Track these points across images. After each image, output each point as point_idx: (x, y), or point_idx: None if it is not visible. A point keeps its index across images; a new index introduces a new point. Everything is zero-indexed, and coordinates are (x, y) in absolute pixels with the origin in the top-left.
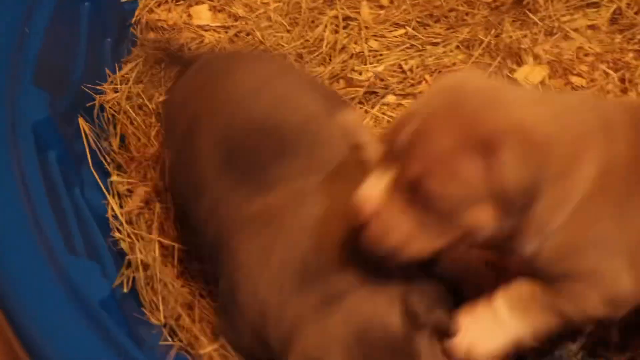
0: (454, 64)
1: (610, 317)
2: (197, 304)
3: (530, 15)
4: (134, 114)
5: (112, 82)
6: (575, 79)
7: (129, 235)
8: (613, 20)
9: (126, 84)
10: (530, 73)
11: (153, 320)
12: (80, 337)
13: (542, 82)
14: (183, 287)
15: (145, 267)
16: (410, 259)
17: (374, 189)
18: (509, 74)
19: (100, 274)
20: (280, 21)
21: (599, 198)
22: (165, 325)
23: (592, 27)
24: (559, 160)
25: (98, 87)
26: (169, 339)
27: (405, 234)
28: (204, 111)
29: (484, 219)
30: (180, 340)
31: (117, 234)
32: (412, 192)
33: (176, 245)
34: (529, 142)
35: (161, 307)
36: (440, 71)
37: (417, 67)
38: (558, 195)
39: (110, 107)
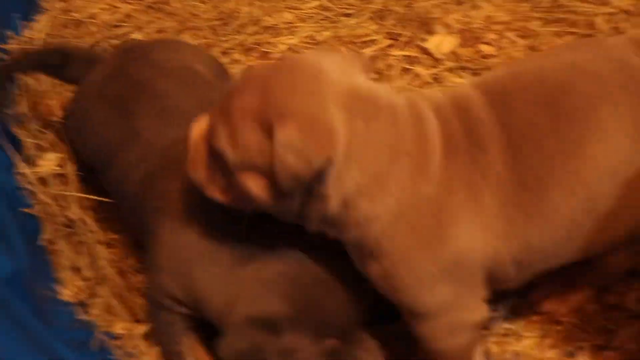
0: (367, 34)
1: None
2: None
3: None
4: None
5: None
6: (484, 47)
7: (45, 200)
8: None
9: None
10: (441, 42)
11: (66, 297)
12: None
13: (453, 51)
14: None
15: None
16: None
17: (198, 128)
18: (420, 44)
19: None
20: None
21: (407, 231)
22: (81, 304)
23: None
24: (345, 173)
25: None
26: (82, 315)
27: (204, 175)
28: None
29: (253, 187)
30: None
31: (33, 201)
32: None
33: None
34: (310, 135)
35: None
36: (353, 42)
37: (331, 39)
38: (350, 213)
39: None
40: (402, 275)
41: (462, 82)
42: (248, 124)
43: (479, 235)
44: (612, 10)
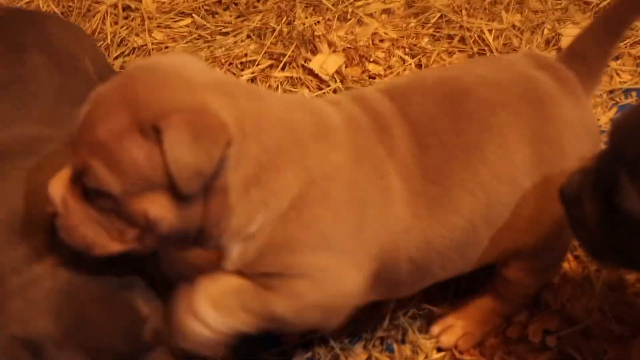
0: (246, 54)
1: (325, 325)
2: None
3: (323, 0)
4: None
5: None
6: (372, 67)
7: None
8: (408, 4)
9: None
10: (325, 62)
11: None
12: None
13: (338, 71)
14: None
15: None
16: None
17: (59, 181)
18: (304, 64)
19: None
20: (53, 9)
21: (319, 202)
22: None
23: (386, 11)
24: (244, 153)
25: None
26: None
27: (90, 232)
28: None
29: (155, 210)
30: None
31: None
32: (82, 182)
33: None
34: (200, 124)
35: None
36: (231, 63)
37: (207, 60)
38: (254, 194)
39: None
40: (304, 239)
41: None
42: (126, 142)
43: (384, 220)
44: (501, 26)
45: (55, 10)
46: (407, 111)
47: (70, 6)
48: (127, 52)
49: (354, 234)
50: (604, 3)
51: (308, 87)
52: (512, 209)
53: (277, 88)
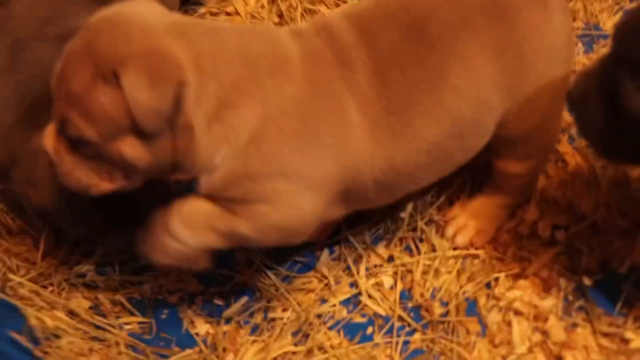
0: None
1: (289, 242)
2: None
3: None
4: None
5: None
6: None
7: None
8: None
9: None
10: None
11: None
12: None
13: None
14: None
15: None
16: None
17: (50, 134)
18: None
19: None
20: None
21: (276, 136)
22: None
23: None
24: (203, 91)
25: None
26: None
27: (83, 176)
28: None
29: (129, 150)
30: None
31: None
32: (66, 133)
33: None
34: (155, 66)
35: None
36: None
37: None
38: (216, 130)
39: None
40: (263, 170)
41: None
42: (92, 91)
43: (342, 149)
44: None
45: None
46: (370, 42)
47: None
48: None
49: (311, 161)
50: None
51: (327, 5)
52: (485, 120)
53: (297, 7)
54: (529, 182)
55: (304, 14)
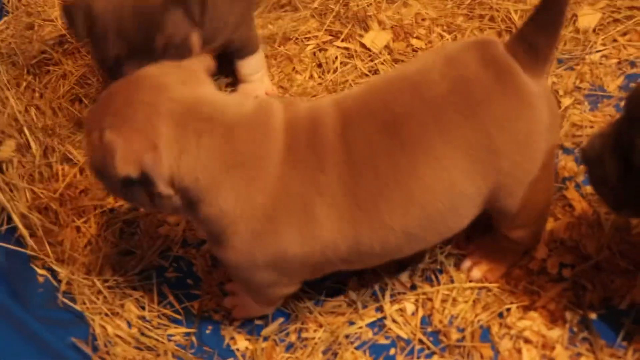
0: (309, 31)
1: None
2: None
3: None
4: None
5: None
6: (415, 42)
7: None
8: None
9: None
10: (376, 37)
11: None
12: None
13: (387, 46)
14: None
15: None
16: None
17: None
18: (358, 39)
19: None
20: None
21: (244, 231)
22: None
23: None
24: (179, 169)
25: None
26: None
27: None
28: None
29: (137, 194)
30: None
31: None
32: None
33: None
34: (126, 142)
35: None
36: (297, 38)
37: (276, 34)
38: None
39: None
40: (244, 262)
41: (329, 96)
42: (93, 134)
43: (308, 244)
44: (527, 7)
45: None
46: (349, 139)
47: None
48: None
49: (276, 252)
50: None
51: (361, 59)
52: (457, 207)
53: (335, 59)
54: (534, 237)
55: (340, 66)
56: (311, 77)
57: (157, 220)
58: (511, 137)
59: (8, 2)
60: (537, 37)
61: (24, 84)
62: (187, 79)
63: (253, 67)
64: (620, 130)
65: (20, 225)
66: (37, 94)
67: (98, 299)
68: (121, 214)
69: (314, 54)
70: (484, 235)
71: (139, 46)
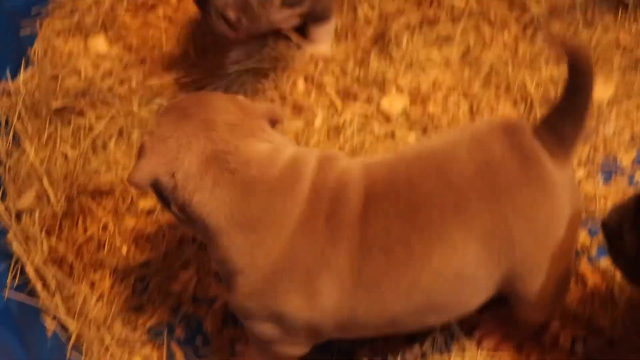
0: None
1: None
2: None
3: (393, 50)
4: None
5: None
6: (431, 107)
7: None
8: (463, 57)
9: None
10: (394, 101)
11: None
12: None
13: (404, 111)
14: None
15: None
16: None
17: None
18: (376, 103)
19: None
20: None
21: (246, 292)
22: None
23: (445, 62)
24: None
25: None
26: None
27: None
28: None
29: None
30: None
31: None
32: None
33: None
34: (153, 157)
35: None
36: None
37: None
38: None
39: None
40: (243, 311)
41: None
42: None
43: (306, 311)
44: (540, 78)
45: None
46: (369, 215)
47: None
48: None
49: (275, 314)
50: (624, 61)
51: (378, 121)
52: (460, 292)
53: (351, 121)
54: (550, 316)
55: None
56: (328, 137)
57: (169, 276)
58: (529, 227)
59: (34, 53)
60: (563, 124)
61: (46, 134)
62: (239, 125)
63: (323, 33)
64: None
65: (33, 278)
66: (58, 145)
67: (107, 354)
68: (135, 269)
69: (332, 115)
70: (499, 304)
71: None
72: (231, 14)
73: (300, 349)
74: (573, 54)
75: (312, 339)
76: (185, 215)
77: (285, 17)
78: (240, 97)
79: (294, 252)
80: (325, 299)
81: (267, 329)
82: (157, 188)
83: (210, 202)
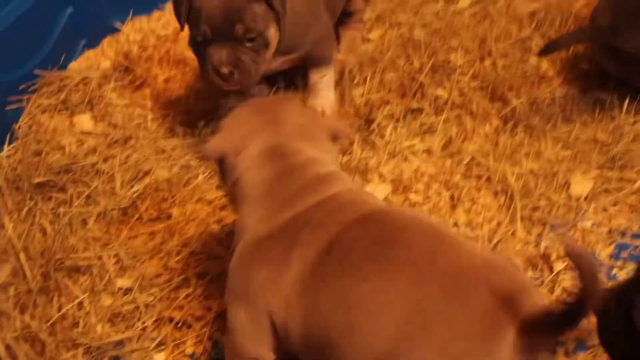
0: None
1: None
2: None
3: (377, 139)
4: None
5: None
6: (413, 196)
7: None
8: (445, 147)
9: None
10: (376, 189)
11: None
12: None
13: (386, 198)
14: None
15: None
16: None
17: None
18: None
19: None
20: None
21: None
22: None
23: (427, 151)
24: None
25: None
26: None
27: None
28: None
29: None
30: None
31: None
32: None
33: None
34: (223, 139)
35: None
36: None
37: None
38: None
39: None
40: (232, 279)
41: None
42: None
43: (271, 285)
44: (521, 170)
45: None
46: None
47: None
48: None
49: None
50: (601, 157)
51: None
52: None
53: None
54: None
55: None
56: None
57: (144, 357)
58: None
59: (19, 128)
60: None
61: (26, 209)
62: (304, 129)
63: (324, 81)
64: (624, 290)
65: (4, 355)
66: (37, 220)
67: None
68: (109, 349)
69: None
70: None
71: (220, 31)
72: (224, 70)
73: (264, 351)
74: (577, 262)
75: (276, 341)
76: (234, 188)
77: (279, 64)
78: (314, 108)
79: (282, 232)
80: (288, 277)
81: (238, 313)
82: (221, 163)
83: (255, 180)
